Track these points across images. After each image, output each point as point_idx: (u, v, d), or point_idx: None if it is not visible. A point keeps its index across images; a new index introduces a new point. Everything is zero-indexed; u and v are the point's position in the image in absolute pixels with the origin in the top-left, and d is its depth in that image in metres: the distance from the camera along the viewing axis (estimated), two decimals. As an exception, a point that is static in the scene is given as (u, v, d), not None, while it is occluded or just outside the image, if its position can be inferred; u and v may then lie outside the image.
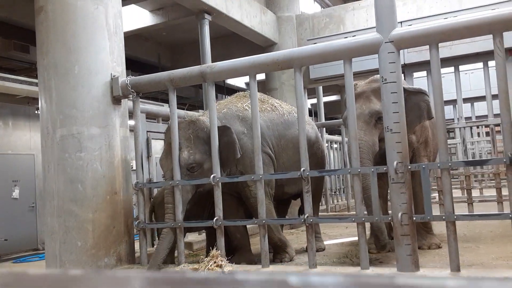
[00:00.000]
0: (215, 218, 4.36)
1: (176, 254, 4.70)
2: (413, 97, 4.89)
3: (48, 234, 4.69)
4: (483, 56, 7.62)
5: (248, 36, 9.92)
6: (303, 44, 9.95)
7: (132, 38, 11.02)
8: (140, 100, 5.01)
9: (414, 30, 3.78)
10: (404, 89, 4.65)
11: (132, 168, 5.14)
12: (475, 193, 9.85)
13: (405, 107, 4.51)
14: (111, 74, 4.82)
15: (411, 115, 4.76)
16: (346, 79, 3.96)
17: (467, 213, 3.79)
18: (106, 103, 4.76)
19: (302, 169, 4.05)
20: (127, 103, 5.10)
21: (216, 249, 4.27)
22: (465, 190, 7.62)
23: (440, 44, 3.71)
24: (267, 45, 10.34)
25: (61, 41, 4.67)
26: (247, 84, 14.48)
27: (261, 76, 11.07)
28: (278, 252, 5.16)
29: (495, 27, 3.45)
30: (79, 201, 4.54)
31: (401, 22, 7.98)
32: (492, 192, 8.42)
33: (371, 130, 4.78)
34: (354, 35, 7.93)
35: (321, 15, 10.40)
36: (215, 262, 4.06)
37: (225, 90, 16.21)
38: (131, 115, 5.01)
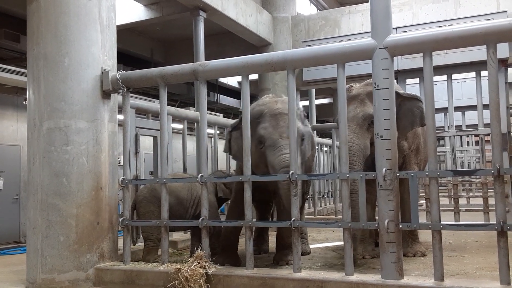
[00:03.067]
0: (201, 218, 4.31)
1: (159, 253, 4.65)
2: (407, 102, 4.88)
3: (30, 228, 4.61)
4: (476, 66, 7.65)
5: (243, 35, 9.88)
6: (298, 45, 9.94)
7: (125, 32, 10.93)
8: (130, 95, 4.94)
9: (408, 37, 3.77)
10: (399, 94, 4.64)
11: (119, 163, 5.08)
12: (462, 201, 9.93)
13: (398, 113, 4.48)
14: (102, 67, 4.75)
15: (404, 120, 4.75)
16: (338, 83, 3.94)
17: (454, 223, 3.77)
18: (95, 97, 4.69)
19: (290, 172, 4.02)
20: (116, 98, 5.03)
21: (200, 250, 4.22)
22: (453, 199, 7.65)
23: (434, 52, 3.70)
24: (262, 45, 10.30)
25: (52, 32, 4.60)
26: (240, 83, 14.44)
27: (254, 76, 11.05)
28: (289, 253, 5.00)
29: (489, 38, 3.44)
30: (63, 195, 4.47)
31: (396, 28, 7.98)
32: (479, 201, 8.47)
33: (363, 134, 4.76)
34: (349, 39, 7.94)
35: (317, 17, 10.39)
36: (199, 263, 4.02)
37: (217, 89, 16.16)
38: (121, 110, 4.94)
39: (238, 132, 4.74)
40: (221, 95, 16.65)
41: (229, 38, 11.24)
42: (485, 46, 3.49)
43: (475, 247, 6.07)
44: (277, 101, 4.79)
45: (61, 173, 4.49)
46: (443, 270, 3.51)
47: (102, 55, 4.77)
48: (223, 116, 11.43)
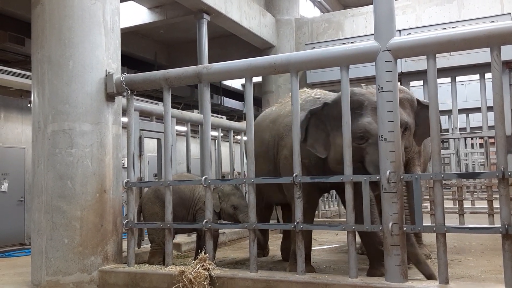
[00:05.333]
0: (205, 221, 4.31)
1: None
2: (426, 110, 4.72)
3: (35, 230, 4.63)
4: (480, 68, 7.63)
5: (246, 37, 9.89)
6: (301, 48, 9.94)
7: (129, 35, 10.97)
8: (134, 97, 4.96)
9: (412, 40, 3.76)
10: (419, 102, 4.57)
11: (123, 166, 5.09)
12: (466, 204, 9.89)
13: (417, 120, 4.44)
14: (106, 70, 4.77)
15: (422, 128, 4.63)
16: (342, 86, 3.93)
17: (458, 225, 3.75)
18: (99, 100, 4.71)
19: (294, 174, 4.02)
20: (120, 100, 5.05)
21: (204, 252, 4.22)
22: (457, 201, 7.62)
23: (438, 54, 3.69)
24: (265, 48, 10.32)
25: (57, 35, 4.62)
26: (243, 85, 14.47)
27: (257, 79, 11.05)
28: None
29: (493, 40, 3.43)
30: (67, 197, 4.49)
31: (399, 31, 7.99)
32: (484, 204, 8.44)
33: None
34: (353, 42, 7.93)
35: (320, 20, 10.40)
36: (203, 265, 4.02)
37: (221, 91, 16.18)
38: (125, 112, 4.96)
39: (318, 120, 4.31)
40: (224, 98, 16.67)
41: (232, 41, 11.26)
42: (489, 48, 3.48)
43: (479, 250, 6.05)
44: (373, 93, 4.23)
45: (65, 175, 4.51)
46: (448, 273, 3.50)
47: (106, 58, 4.79)
48: (227, 119, 11.45)
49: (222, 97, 16.34)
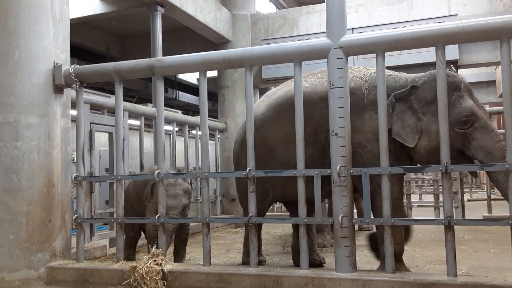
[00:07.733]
0: (157, 215, 4.27)
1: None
2: None
3: (-23, 226, 4.42)
4: (428, 67, 7.89)
5: (202, 31, 9.82)
6: (257, 43, 9.98)
7: (80, 26, 10.64)
8: (85, 90, 4.83)
9: (362, 38, 3.87)
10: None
11: (73, 160, 4.95)
12: (414, 198, 10.30)
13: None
14: (54, 61, 4.61)
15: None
16: (295, 81, 3.99)
17: (404, 218, 3.90)
18: (47, 92, 4.55)
19: (248, 168, 4.04)
20: (69, 93, 4.90)
21: (157, 247, 4.19)
22: (405, 195, 7.92)
23: (388, 53, 3.81)
24: (221, 42, 10.28)
25: (2, 23, 4.42)
26: (198, 79, 14.35)
27: (213, 73, 11.01)
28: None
29: (438, 40, 3.58)
30: (13, 192, 4.32)
31: (352, 29, 8.16)
32: (431, 198, 8.82)
33: None
34: (307, 38, 8.04)
35: (276, 16, 10.47)
36: (155, 261, 3.98)
37: (176, 85, 16.01)
38: (74, 105, 4.81)
39: (404, 105, 3.98)
40: (180, 92, 16.51)
41: (187, 35, 11.15)
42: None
43: (425, 242, 6.32)
44: (462, 76, 4.08)
45: (10, 169, 4.34)
46: (394, 263, 3.63)
47: (55, 48, 4.63)
48: (182, 113, 11.35)
49: (177, 91, 16.17)
